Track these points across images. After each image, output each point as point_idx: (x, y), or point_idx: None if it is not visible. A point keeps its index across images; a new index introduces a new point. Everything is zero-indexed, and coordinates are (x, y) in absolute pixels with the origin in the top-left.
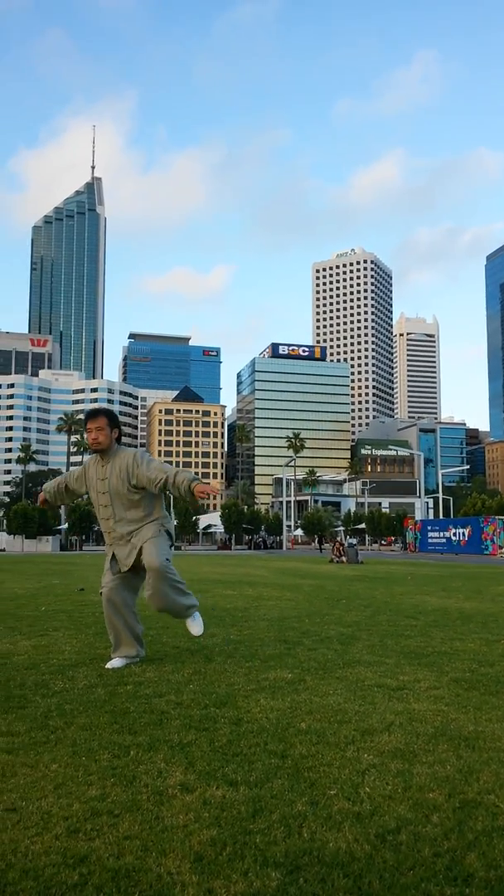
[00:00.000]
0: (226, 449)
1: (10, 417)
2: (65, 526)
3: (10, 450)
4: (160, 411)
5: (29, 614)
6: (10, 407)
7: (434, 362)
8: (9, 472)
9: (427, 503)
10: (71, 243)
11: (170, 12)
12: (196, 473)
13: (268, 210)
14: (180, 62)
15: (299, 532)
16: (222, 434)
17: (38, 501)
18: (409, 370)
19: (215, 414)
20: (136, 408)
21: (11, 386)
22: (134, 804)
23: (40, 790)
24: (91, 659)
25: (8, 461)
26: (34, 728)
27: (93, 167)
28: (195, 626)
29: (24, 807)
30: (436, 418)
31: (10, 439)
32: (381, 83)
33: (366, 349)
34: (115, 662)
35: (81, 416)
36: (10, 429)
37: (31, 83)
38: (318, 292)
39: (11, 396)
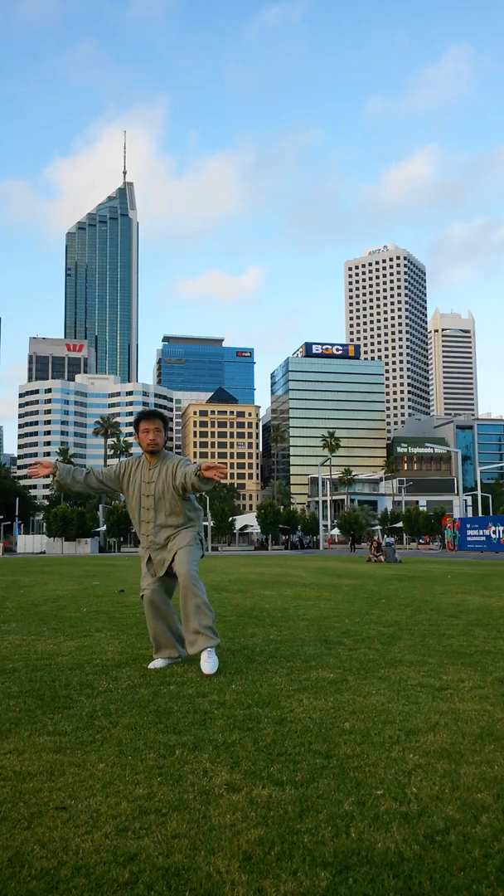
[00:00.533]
0: (261, 449)
1: (49, 422)
2: (103, 528)
3: (48, 454)
4: (195, 413)
5: (71, 615)
6: (48, 412)
7: (470, 358)
8: (48, 476)
9: (465, 501)
10: (104, 248)
11: (198, 18)
12: (231, 474)
13: (300, 211)
14: (210, 67)
15: (336, 531)
16: (257, 434)
17: (37, 471)
18: (444, 366)
19: (249, 414)
20: (171, 410)
21: (49, 391)
22: (181, 803)
23: (88, 789)
24: (133, 659)
25: None
26: (80, 728)
27: (124, 172)
28: (208, 663)
29: (74, 805)
30: (473, 415)
31: (48, 443)
32: (411, 80)
33: (400, 346)
34: (157, 663)
35: (118, 420)
36: (49, 433)
37: (65, 94)
38: (350, 290)
39: (49, 401)
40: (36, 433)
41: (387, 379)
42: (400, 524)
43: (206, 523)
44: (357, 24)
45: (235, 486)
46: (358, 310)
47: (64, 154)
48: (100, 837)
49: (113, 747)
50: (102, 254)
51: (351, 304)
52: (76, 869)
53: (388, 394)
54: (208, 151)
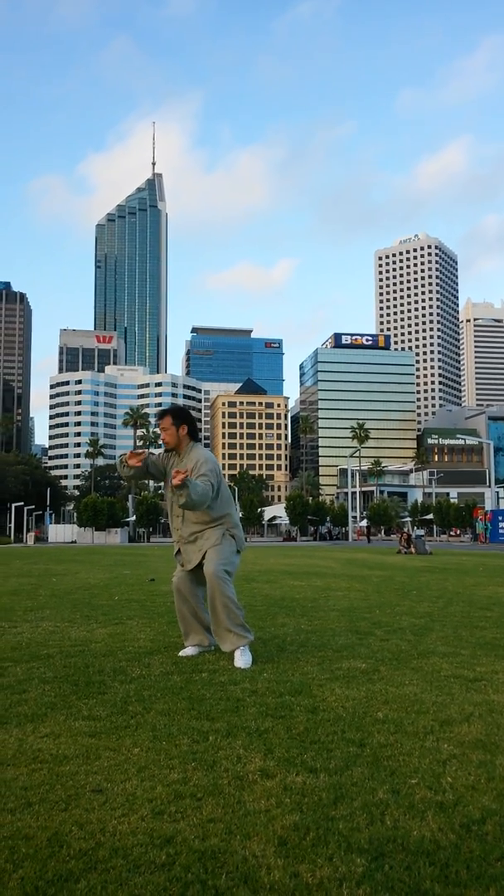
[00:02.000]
0: (289, 440)
1: (79, 413)
2: (133, 518)
3: (79, 444)
4: (223, 404)
5: (103, 603)
6: (79, 403)
7: (503, 348)
8: (78, 466)
9: (497, 493)
10: (134, 240)
11: (231, 14)
12: (260, 465)
13: (332, 203)
14: (243, 62)
15: (365, 523)
16: (286, 426)
17: (128, 459)
18: (476, 356)
19: (278, 406)
20: (199, 401)
21: (79, 382)
22: (216, 788)
23: (124, 773)
24: (165, 647)
25: (77, 455)
26: (115, 713)
27: (153, 163)
28: (241, 660)
29: (110, 788)
30: None
31: (78, 434)
32: (444, 72)
33: (431, 336)
34: (187, 651)
35: (147, 411)
36: (79, 424)
37: (100, 91)
38: (381, 280)
39: (79, 392)
40: (66, 424)
41: (417, 369)
42: (430, 516)
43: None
44: (389, 17)
45: (264, 477)
46: (388, 300)
47: (98, 150)
48: (136, 820)
49: (147, 732)
50: (132, 245)
51: (381, 295)
52: (114, 850)
53: (418, 384)
54: (240, 146)
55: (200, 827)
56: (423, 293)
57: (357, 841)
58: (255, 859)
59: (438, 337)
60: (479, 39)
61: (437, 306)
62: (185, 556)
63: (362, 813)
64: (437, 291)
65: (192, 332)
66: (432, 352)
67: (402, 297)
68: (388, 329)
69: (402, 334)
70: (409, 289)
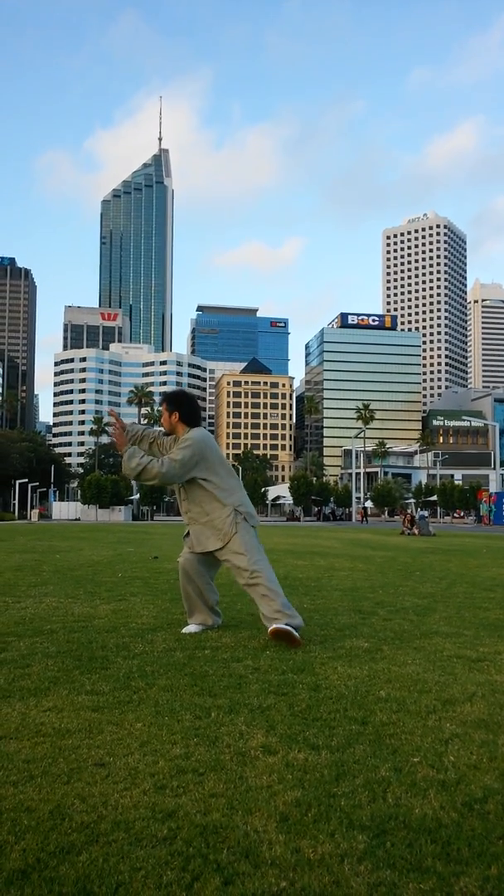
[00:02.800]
0: (294, 421)
1: (83, 391)
2: (136, 496)
3: (83, 422)
4: (228, 383)
5: (107, 580)
6: (83, 380)
7: None
8: (82, 443)
9: (502, 475)
10: (139, 216)
11: None
12: (264, 445)
13: (341, 183)
14: (253, 39)
15: (369, 504)
16: (291, 406)
17: (112, 423)
18: (483, 338)
19: (283, 385)
20: (204, 380)
21: (84, 360)
22: (218, 764)
23: (126, 747)
24: (168, 624)
25: (81, 433)
26: (118, 688)
27: (160, 139)
28: (279, 625)
29: (112, 762)
30: None
31: (83, 412)
32: (457, 51)
33: (438, 317)
34: (190, 628)
35: (151, 389)
36: (84, 401)
37: (109, 67)
38: (388, 259)
39: (84, 370)
40: (71, 402)
41: (424, 350)
42: (434, 498)
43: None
44: None
45: (268, 456)
46: (395, 280)
47: (105, 126)
48: (138, 794)
49: (150, 708)
50: (137, 221)
51: (388, 274)
52: (115, 823)
53: (424, 366)
54: (249, 124)
55: (202, 802)
56: (430, 273)
57: (359, 818)
58: (257, 834)
59: (445, 318)
60: (494, 17)
61: (445, 287)
62: (193, 538)
63: (364, 790)
64: (445, 272)
65: (197, 310)
66: (439, 333)
67: (409, 278)
68: (395, 309)
69: (409, 315)
70: (416, 269)
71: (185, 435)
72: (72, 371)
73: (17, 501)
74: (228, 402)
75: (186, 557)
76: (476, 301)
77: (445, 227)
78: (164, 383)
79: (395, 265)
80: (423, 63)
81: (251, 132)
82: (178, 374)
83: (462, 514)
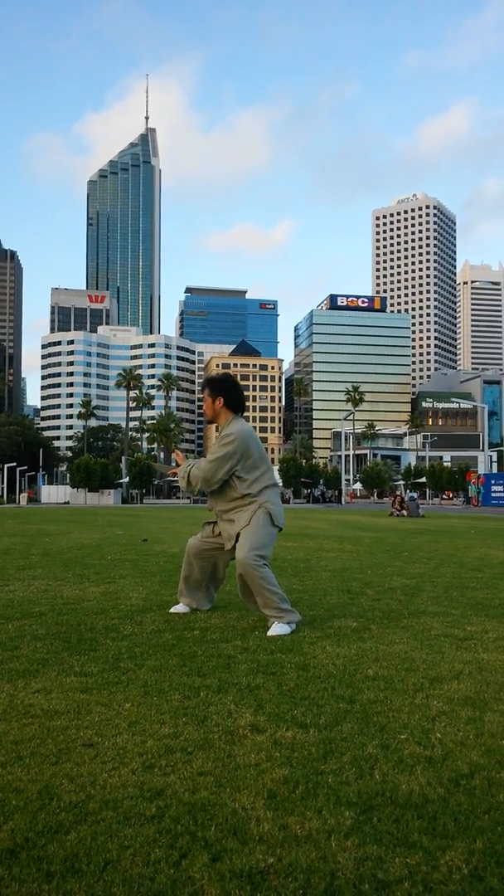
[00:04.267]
0: (283, 403)
1: (71, 374)
2: (126, 480)
3: (71, 405)
4: (217, 366)
5: (96, 563)
6: (71, 363)
7: (500, 311)
8: (71, 427)
9: (491, 457)
10: (126, 197)
11: None
12: (253, 427)
13: (334, 165)
14: (246, 20)
15: (358, 486)
16: (280, 388)
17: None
18: (473, 320)
19: (272, 368)
20: (192, 363)
21: (71, 343)
22: (206, 743)
23: (115, 727)
24: (157, 605)
25: (70, 416)
26: (106, 669)
27: (146, 118)
28: (273, 628)
29: (101, 742)
30: (501, 369)
31: (71, 395)
32: (451, 32)
33: (428, 299)
34: (178, 608)
35: (140, 372)
36: (71, 384)
37: (100, 49)
38: (378, 241)
39: (71, 353)
40: (59, 385)
41: (413, 332)
42: (423, 479)
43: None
44: None
45: None
46: (385, 261)
47: (96, 109)
48: (126, 773)
49: (138, 688)
50: (124, 202)
51: (378, 256)
52: (104, 802)
53: (414, 347)
54: (241, 106)
55: (190, 780)
56: (420, 254)
57: (346, 794)
58: (245, 812)
59: (435, 299)
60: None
61: (435, 268)
62: (224, 534)
63: (351, 767)
64: (435, 253)
65: (185, 292)
66: (428, 314)
67: (399, 259)
68: (385, 291)
69: (399, 296)
70: (406, 250)
71: (228, 430)
72: (59, 354)
73: (5, 485)
74: None
75: (195, 545)
76: (465, 282)
77: (435, 207)
78: (153, 366)
79: (385, 246)
80: (417, 46)
81: (243, 114)
82: (167, 356)
83: (451, 495)
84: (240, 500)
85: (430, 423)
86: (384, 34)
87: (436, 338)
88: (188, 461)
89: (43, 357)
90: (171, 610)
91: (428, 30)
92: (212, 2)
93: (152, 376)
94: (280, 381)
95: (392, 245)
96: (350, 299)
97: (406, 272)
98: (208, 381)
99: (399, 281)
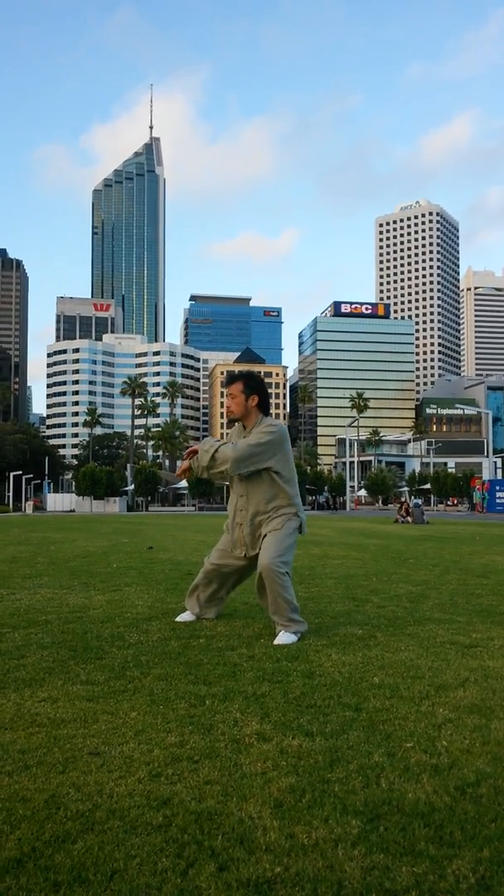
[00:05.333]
0: (288, 410)
1: (77, 382)
2: (131, 487)
3: (76, 413)
4: (222, 373)
5: (101, 570)
6: (76, 371)
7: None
8: (76, 435)
9: (495, 463)
10: (131, 205)
11: None
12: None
13: (337, 174)
14: (251, 33)
15: (363, 493)
16: (284, 395)
17: (179, 472)
18: (476, 326)
19: (277, 375)
20: (197, 370)
21: (77, 351)
22: (212, 751)
23: (121, 736)
24: (163, 613)
25: (75, 424)
26: (112, 678)
27: (151, 127)
28: (284, 637)
29: (107, 751)
30: None
31: (76, 403)
32: (453, 45)
33: (431, 305)
34: (184, 616)
35: (145, 380)
36: (77, 393)
37: (106, 62)
38: (381, 248)
39: (77, 361)
40: (64, 393)
41: (417, 338)
42: (428, 486)
43: None
44: None
45: None
46: (388, 268)
47: (103, 121)
48: (133, 782)
49: (145, 697)
50: (129, 211)
51: (381, 262)
52: (111, 811)
53: (417, 354)
54: (246, 117)
55: (197, 789)
56: (423, 261)
57: (352, 803)
58: (252, 821)
59: (438, 306)
60: (489, 12)
61: (438, 274)
62: (240, 537)
63: (358, 776)
64: (438, 259)
65: (190, 300)
66: (432, 321)
67: (402, 265)
68: (388, 298)
69: (402, 303)
70: (409, 256)
71: (270, 422)
72: (65, 362)
73: (11, 493)
74: (222, 392)
75: (216, 562)
76: (469, 289)
77: (438, 214)
78: (158, 374)
79: (388, 253)
80: (420, 57)
81: (248, 125)
82: (172, 364)
83: (455, 501)
84: (277, 502)
85: (435, 429)
86: (387, 46)
87: (439, 344)
88: (211, 438)
89: (48, 365)
90: (178, 619)
91: (430, 42)
92: (217, 15)
93: (157, 384)
94: (284, 388)
95: (395, 252)
96: (354, 306)
97: (409, 279)
98: (244, 376)
99: (402, 287)
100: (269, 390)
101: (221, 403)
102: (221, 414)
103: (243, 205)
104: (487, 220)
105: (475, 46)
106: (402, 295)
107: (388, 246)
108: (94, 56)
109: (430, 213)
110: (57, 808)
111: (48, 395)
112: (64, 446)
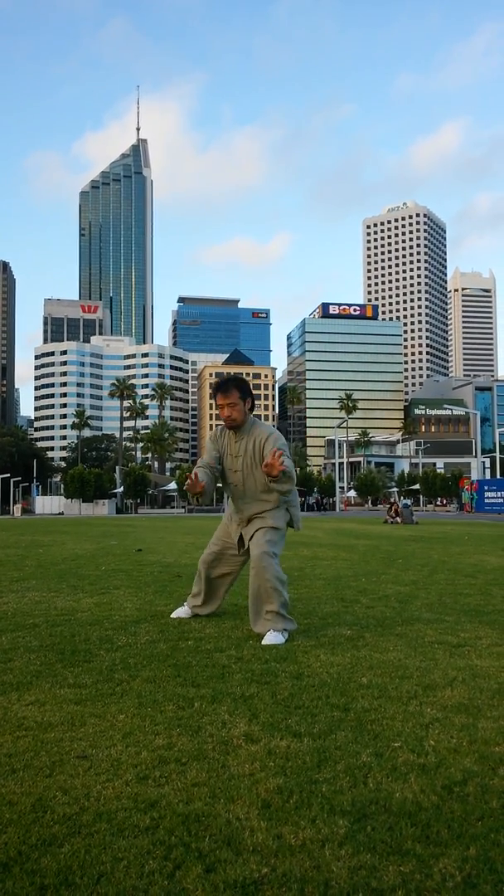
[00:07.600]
0: (277, 411)
1: (65, 384)
2: (120, 490)
3: (65, 416)
4: (210, 375)
5: (90, 573)
6: (64, 374)
7: (491, 318)
8: (64, 437)
9: (483, 463)
10: (118, 207)
11: None
12: None
13: (327, 183)
14: (244, 43)
15: (352, 493)
16: (273, 397)
17: (192, 488)
18: (464, 327)
19: (266, 376)
20: (186, 372)
21: (64, 353)
22: (200, 753)
23: (109, 739)
24: (151, 616)
25: (63, 427)
26: (100, 681)
27: (138, 129)
28: (272, 637)
29: (95, 754)
30: (493, 376)
31: (64, 405)
32: (443, 56)
33: (419, 306)
34: (180, 611)
35: (133, 382)
36: (65, 395)
37: (99, 71)
38: (369, 249)
39: (65, 363)
40: (52, 395)
41: (405, 339)
42: (417, 486)
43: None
44: (388, 1)
45: None
46: (376, 269)
47: (95, 129)
48: (121, 785)
49: (132, 699)
50: (116, 213)
51: (369, 264)
52: (98, 814)
53: (406, 354)
54: (238, 126)
55: (185, 791)
56: (411, 262)
57: (340, 803)
58: (239, 822)
59: (426, 307)
60: (478, 24)
61: (426, 276)
62: (245, 538)
63: (345, 776)
64: (426, 261)
65: (178, 301)
66: (420, 322)
67: (390, 267)
68: (376, 299)
69: (391, 304)
70: (397, 258)
71: (268, 427)
72: (52, 365)
73: None
74: (211, 394)
75: (212, 557)
76: (456, 290)
77: (425, 216)
78: (146, 375)
79: (376, 255)
80: (410, 68)
81: (240, 134)
82: (160, 366)
83: (444, 502)
84: (273, 504)
85: (423, 429)
86: (378, 57)
87: (428, 345)
88: (286, 458)
89: (36, 368)
90: (173, 615)
91: (421, 53)
92: (211, 26)
93: (146, 386)
94: (273, 389)
95: (383, 253)
96: (342, 307)
97: (397, 280)
98: (236, 381)
99: (390, 289)
100: (258, 392)
101: (211, 405)
102: (211, 415)
103: (235, 211)
104: (475, 226)
105: (464, 57)
106: (391, 296)
107: (375, 248)
108: (89, 66)
109: (418, 215)
110: (44, 811)
111: (36, 398)
112: (52, 449)
